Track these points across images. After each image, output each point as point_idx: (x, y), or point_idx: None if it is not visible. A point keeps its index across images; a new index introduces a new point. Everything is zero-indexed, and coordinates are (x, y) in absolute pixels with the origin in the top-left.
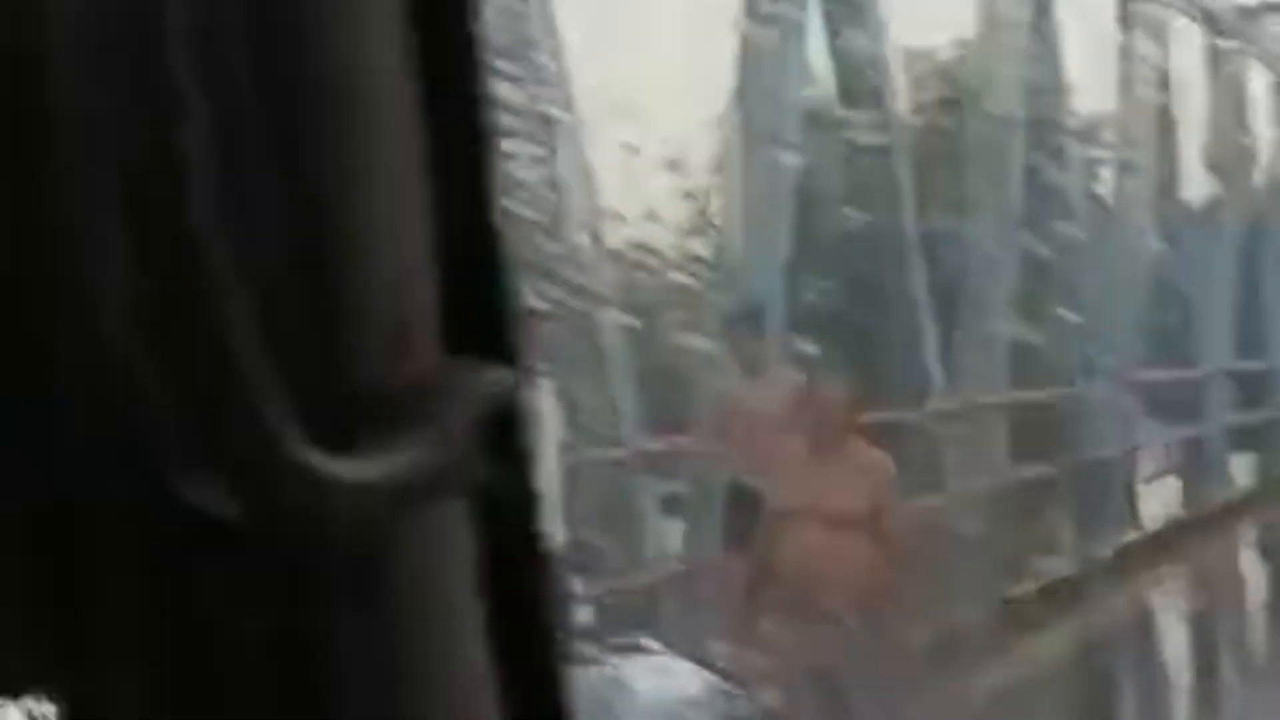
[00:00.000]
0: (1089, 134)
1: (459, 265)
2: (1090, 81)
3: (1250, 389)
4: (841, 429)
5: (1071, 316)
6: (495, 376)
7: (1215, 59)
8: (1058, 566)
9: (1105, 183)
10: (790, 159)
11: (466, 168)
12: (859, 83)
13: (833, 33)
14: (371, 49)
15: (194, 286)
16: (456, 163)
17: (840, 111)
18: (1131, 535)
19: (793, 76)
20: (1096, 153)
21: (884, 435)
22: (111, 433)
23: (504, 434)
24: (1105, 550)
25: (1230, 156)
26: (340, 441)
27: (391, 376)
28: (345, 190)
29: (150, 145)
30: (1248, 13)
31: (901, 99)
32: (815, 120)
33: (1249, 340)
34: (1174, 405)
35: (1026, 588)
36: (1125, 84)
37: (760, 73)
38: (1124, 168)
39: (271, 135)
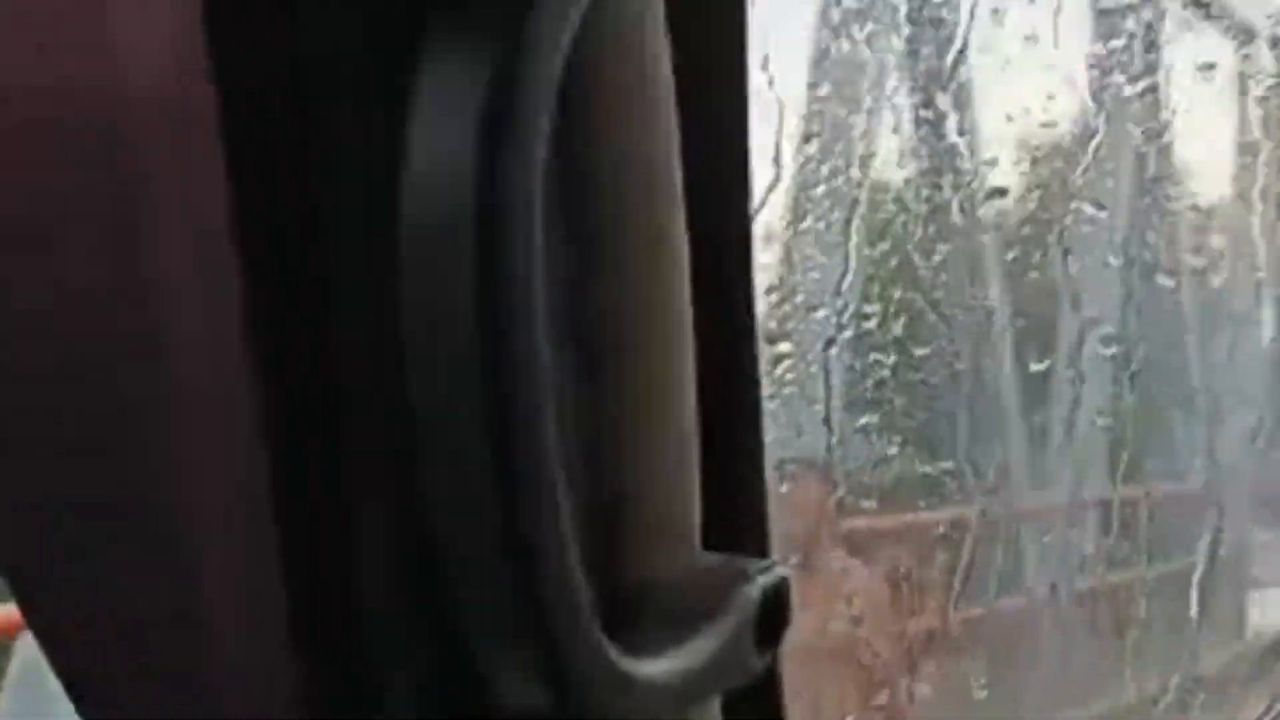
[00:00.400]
0: (1203, 221)
1: (713, 452)
2: (1206, 166)
3: None
4: (817, 537)
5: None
6: (763, 568)
7: None
8: (1152, 682)
9: (1220, 270)
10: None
11: (726, 363)
12: (944, 157)
13: (917, 103)
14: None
15: (533, 496)
16: (717, 357)
17: (922, 186)
18: (1239, 648)
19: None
20: (1211, 240)
21: (953, 533)
22: (434, 626)
23: (764, 622)
24: (1208, 665)
25: None
26: (624, 639)
27: (667, 572)
28: (623, 389)
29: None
30: None
31: (1005, 180)
32: (893, 195)
33: None
34: None
35: (1114, 705)
36: (1243, 169)
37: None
38: (1239, 255)
39: (574, 361)
